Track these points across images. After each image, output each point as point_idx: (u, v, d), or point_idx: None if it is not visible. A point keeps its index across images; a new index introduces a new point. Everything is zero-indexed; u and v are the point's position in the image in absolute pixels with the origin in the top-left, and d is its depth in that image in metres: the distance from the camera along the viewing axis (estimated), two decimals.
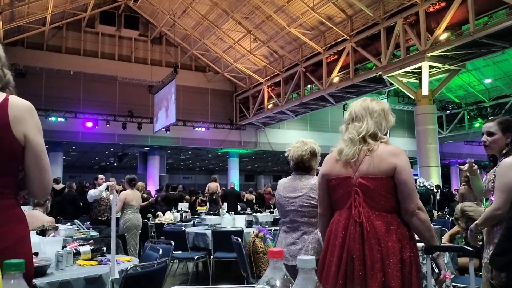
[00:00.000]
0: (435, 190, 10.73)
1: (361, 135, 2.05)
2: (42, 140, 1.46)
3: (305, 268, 0.77)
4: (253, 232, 3.83)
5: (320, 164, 2.39)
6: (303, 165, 2.80)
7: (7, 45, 16.19)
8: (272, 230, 4.35)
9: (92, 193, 6.85)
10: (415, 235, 2.06)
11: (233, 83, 20.53)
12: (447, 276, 2.10)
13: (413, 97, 13.49)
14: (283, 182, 2.88)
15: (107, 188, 6.82)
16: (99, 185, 7.01)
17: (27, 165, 1.39)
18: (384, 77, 12.95)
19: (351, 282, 1.96)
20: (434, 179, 12.22)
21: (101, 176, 6.84)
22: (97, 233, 5.04)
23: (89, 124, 17.07)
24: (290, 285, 0.79)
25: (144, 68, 18.83)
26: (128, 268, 2.24)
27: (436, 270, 2.12)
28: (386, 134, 2.15)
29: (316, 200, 2.40)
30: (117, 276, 2.08)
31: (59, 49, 17.68)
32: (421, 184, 7.78)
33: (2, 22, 14.22)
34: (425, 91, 12.57)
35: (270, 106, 18.28)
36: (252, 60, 18.33)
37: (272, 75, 18.21)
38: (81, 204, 9.35)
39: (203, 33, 17.72)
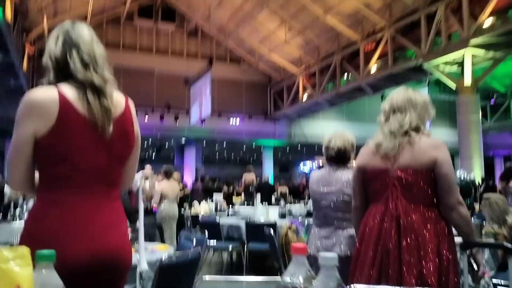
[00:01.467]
0: (477, 183, 10.34)
1: (404, 128, 2.00)
2: None
3: (327, 265, 0.76)
4: (285, 225, 3.84)
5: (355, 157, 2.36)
6: (344, 155, 2.74)
7: None
8: (305, 222, 4.34)
9: None
10: (453, 230, 2.01)
11: (268, 74, 20.47)
12: (485, 273, 2.02)
13: (454, 87, 12.98)
14: (316, 175, 2.84)
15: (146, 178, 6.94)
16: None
17: (131, 158, 1.52)
18: (424, 65, 12.53)
19: (386, 275, 1.94)
20: (477, 171, 11.76)
21: (148, 166, 6.96)
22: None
23: None
24: (313, 280, 0.78)
25: (180, 60, 19.08)
26: (163, 259, 2.30)
27: (475, 266, 2.05)
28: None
29: (350, 196, 2.37)
30: (145, 267, 2.11)
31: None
32: (461, 177, 7.50)
33: (46, 17, 14.80)
34: (467, 80, 12.06)
35: (305, 97, 18.10)
36: (287, 50, 18.18)
37: (307, 65, 18.00)
38: None
39: (238, 24, 17.73)
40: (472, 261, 2.06)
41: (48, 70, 1.43)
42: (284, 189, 12.78)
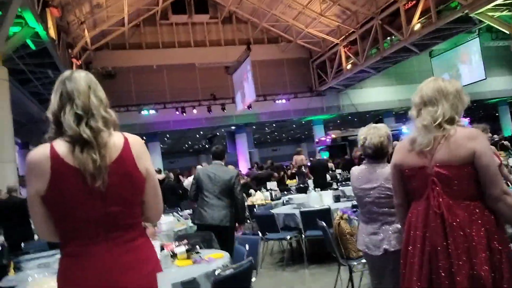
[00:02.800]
0: None
1: (437, 122, 1.93)
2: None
3: None
4: (337, 214, 3.83)
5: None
6: (382, 151, 2.70)
7: (96, 50, 17.61)
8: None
9: (185, 184, 7.34)
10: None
11: (308, 49, 20.10)
12: None
13: (507, 32, 12.05)
14: (356, 172, 2.81)
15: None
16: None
17: (148, 194, 1.57)
18: (472, 15, 11.72)
19: (437, 274, 1.92)
20: None
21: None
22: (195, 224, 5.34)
23: (177, 112, 18.11)
24: None
25: (218, 50, 19.22)
26: (217, 273, 2.41)
27: None
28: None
29: (392, 190, 2.34)
30: None
31: (140, 46, 18.74)
32: None
33: (87, 30, 15.43)
34: None
35: (349, 66, 17.62)
36: (324, 22, 17.72)
37: (347, 34, 17.45)
38: (180, 191, 10.05)
39: (271, 4, 17.48)
40: None
41: (49, 124, 1.50)
42: (330, 165, 12.66)
